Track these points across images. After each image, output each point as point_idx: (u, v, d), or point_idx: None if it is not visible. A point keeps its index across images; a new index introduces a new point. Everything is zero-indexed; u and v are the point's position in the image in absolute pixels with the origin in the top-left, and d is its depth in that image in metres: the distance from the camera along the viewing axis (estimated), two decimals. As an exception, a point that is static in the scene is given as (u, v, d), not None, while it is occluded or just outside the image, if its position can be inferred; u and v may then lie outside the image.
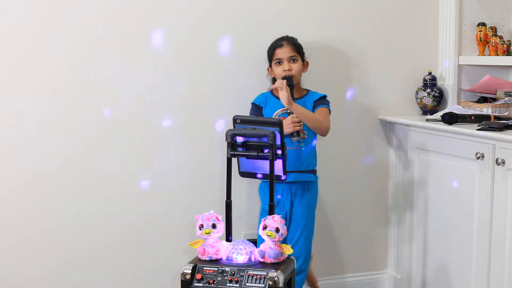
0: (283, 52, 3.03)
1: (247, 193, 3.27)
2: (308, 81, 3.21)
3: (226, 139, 2.50)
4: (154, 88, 3.13)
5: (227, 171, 2.52)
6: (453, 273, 3.11)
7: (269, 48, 3.09)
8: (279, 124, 2.49)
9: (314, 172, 3.09)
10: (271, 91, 3.10)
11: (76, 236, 3.08)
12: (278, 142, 2.47)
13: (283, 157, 2.52)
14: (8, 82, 2.93)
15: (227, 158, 2.51)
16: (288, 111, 2.96)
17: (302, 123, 2.95)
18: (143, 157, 3.15)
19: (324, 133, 3.03)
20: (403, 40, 3.51)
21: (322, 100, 3.09)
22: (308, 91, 3.13)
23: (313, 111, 3.05)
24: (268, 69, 3.12)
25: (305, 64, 3.11)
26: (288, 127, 2.91)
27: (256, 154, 2.48)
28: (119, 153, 3.11)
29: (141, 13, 3.08)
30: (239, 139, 2.49)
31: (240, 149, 2.52)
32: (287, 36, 3.09)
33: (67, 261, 3.08)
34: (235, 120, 2.56)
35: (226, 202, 2.55)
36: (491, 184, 2.83)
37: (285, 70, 3.01)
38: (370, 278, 3.59)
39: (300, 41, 3.10)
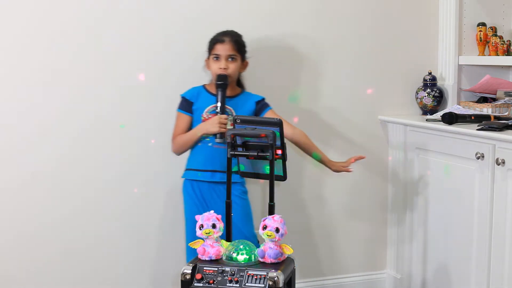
0: (223, 49, 2.84)
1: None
2: (311, 81, 3.21)
3: (226, 139, 2.50)
4: (153, 88, 3.13)
5: (227, 171, 2.53)
6: (453, 273, 3.11)
7: (210, 40, 2.89)
8: (279, 124, 2.49)
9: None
10: (204, 86, 2.95)
11: (75, 236, 3.08)
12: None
13: (283, 157, 2.52)
14: (7, 82, 2.93)
15: (227, 158, 2.51)
16: (217, 110, 2.78)
17: (226, 126, 2.75)
18: (143, 157, 3.14)
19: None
20: (403, 40, 3.51)
21: (266, 102, 2.95)
22: (242, 90, 2.97)
23: (256, 112, 2.92)
24: (206, 61, 2.93)
25: (244, 64, 2.92)
26: (214, 127, 2.76)
27: (256, 154, 2.48)
28: (118, 153, 3.11)
29: (138, 14, 3.08)
30: (239, 139, 2.50)
31: (240, 149, 2.52)
32: (231, 32, 2.90)
33: (66, 261, 3.07)
34: (235, 120, 2.56)
35: (226, 202, 2.55)
36: (491, 184, 2.83)
37: (220, 68, 2.83)
38: (370, 278, 3.59)
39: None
